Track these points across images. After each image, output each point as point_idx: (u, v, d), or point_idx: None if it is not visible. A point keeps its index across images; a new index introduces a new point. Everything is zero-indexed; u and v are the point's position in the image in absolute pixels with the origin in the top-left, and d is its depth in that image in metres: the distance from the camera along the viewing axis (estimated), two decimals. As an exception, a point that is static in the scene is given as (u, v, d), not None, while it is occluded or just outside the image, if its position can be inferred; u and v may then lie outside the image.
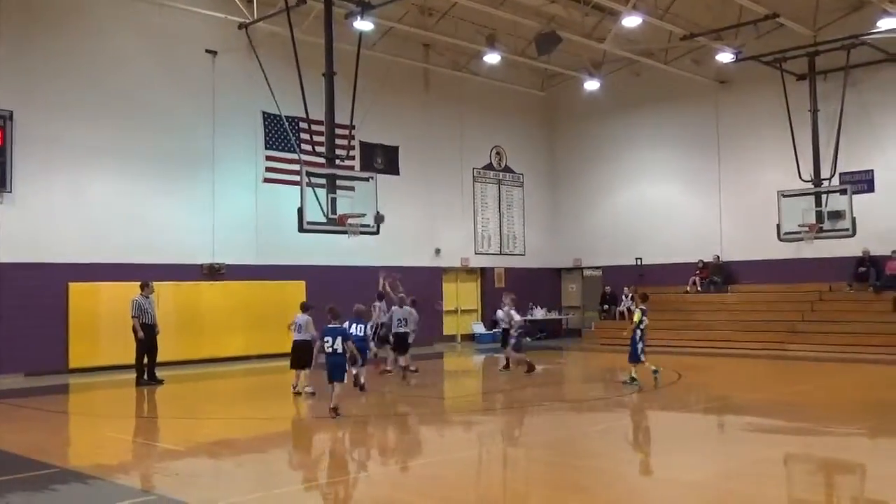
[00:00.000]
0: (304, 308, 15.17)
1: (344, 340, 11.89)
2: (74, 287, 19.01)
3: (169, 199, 20.72)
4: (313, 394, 14.20)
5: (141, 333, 16.45)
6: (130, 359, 16.82)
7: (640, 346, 15.10)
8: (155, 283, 17.43)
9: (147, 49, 20.66)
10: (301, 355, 14.41)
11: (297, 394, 14.63)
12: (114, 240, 19.60)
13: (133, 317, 16.52)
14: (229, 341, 21.15)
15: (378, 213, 18.41)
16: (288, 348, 15.14)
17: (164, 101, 20.77)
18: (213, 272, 21.26)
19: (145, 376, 16.59)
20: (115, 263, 19.39)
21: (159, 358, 17.05)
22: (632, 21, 21.03)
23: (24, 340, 18.02)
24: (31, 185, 18.67)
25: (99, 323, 19.12)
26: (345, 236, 18.91)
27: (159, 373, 16.99)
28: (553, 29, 21.93)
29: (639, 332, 15.13)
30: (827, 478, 8.85)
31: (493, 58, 24.28)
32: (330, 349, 11.90)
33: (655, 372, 15.25)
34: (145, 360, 16.66)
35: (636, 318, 15.25)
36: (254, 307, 21.49)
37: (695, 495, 7.86)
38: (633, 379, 15.14)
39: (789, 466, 9.39)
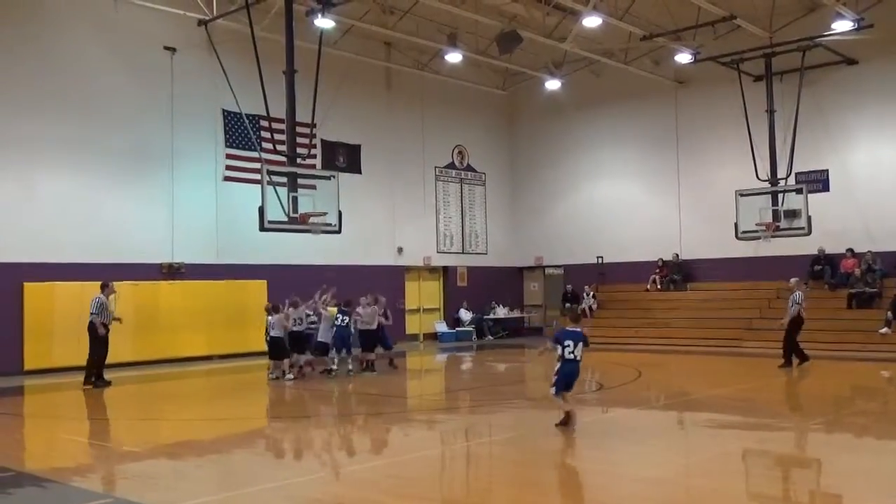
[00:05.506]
0: (275, 309, 16.78)
1: (585, 346, 10.30)
2: (29, 287, 18.67)
3: (127, 197, 20.43)
4: (294, 378, 16.22)
5: (102, 331, 16.14)
6: (86, 360, 16.48)
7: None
8: (113, 282, 17.09)
9: (104, 44, 20.34)
10: (277, 350, 16.55)
11: (276, 379, 16.49)
12: (70, 238, 19.28)
13: (94, 314, 16.04)
14: (189, 341, 20.91)
15: None
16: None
17: (122, 97, 20.48)
18: (173, 271, 21.01)
19: (92, 378, 16.19)
20: (71, 263, 19.07)
21: (115, 358, 16.90)
22: (592, 21, 21.19)
23: (-22, 342, 17.64)
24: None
25: (54, 324, 18.78)
26: (306, 235, 18.81)
27: (116, 374, 16.82)
28: (514, 28, 22.01)
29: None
30: (785, 472, 8.99)
31: (454, 57, 24.34)
32: (571, 355, 10.21)
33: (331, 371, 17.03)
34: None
35: None
36: (214, 307, 21.32)
37: (655, 491, 7.93)
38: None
39: (748, 461, 9.51)
